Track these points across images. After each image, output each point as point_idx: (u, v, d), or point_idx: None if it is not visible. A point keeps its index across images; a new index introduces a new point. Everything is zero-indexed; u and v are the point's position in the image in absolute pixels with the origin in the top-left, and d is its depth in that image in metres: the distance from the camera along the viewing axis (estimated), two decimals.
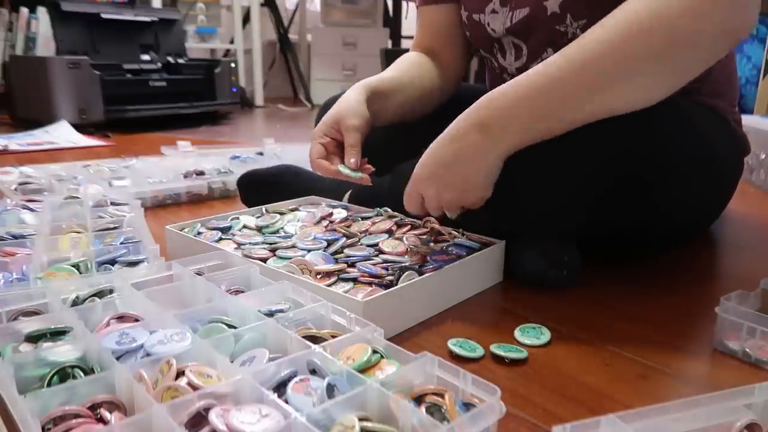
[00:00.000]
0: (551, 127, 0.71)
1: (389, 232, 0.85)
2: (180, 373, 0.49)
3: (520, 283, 0.82)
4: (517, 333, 0.67)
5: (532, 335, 0.67)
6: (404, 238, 0.83)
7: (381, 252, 0.79)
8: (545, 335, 0.67)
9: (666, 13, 0.62)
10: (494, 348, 0.63)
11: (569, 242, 0.82)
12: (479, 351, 0.63)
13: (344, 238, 0.83)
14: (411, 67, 1.02)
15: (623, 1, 0.70)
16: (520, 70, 0.95)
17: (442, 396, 0.47)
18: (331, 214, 0.95)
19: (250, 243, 0.84)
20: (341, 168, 0.83)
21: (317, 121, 1.26)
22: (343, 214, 0.95)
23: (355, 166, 0.83)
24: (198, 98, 2.73)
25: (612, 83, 0.66)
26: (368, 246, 0.81)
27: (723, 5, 0.61)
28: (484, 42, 1.00)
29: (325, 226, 0.89)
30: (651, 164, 0.78)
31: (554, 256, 0.80)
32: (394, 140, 1.01)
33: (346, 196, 1.07)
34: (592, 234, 0.84)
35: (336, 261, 0.77)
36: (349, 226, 0.88)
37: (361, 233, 0.85)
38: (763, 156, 1.50)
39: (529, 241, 0.82)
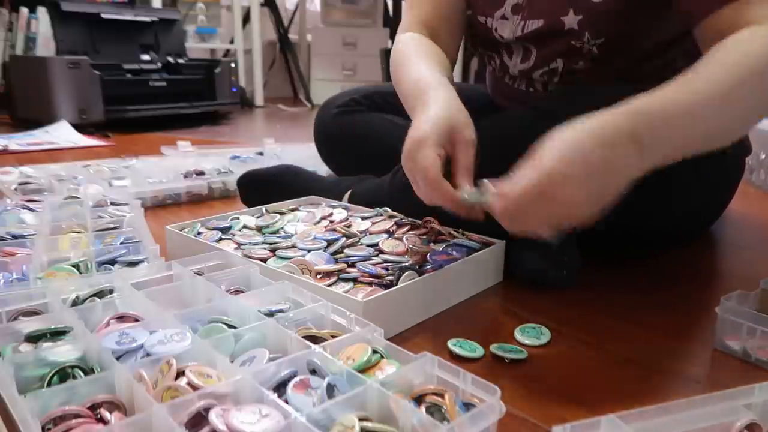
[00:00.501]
0: (693, 149, 0.65)
1: (389, 232, 0.85)
2: (180, 373, 0.49)
3: (520, 283, 0.82)
4: (517, 333, 0.67)
5: (532, 335, 0.67)
6: (404, 238, 0.83)
7: (381, 252, 0.79)
8: (545, 335, 0.67)
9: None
10: (494, 348, 0.63)
11: (569, 242, 0.82)
12: (479, 351, 0.63)
13: (344, 238, 0.83)
14: (439, 54, 0.91)
15: (642, 22, 0.74)
16: (524, 73, 0.96)
17: (442, 396, 0.47)
18: (331, 214, 0.95)
19: (250, 243, 0.84)
20: (465, 194, 0.66)
21: (317, 121, 1.27)
22: (344, 214, 0.95)
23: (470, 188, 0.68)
24: (198, 98, 2.72)
25: (751, 113, 0.67)
26: (368, 246, 0.81)
27: None
28: (487, 43, 0.98)
29: (326, 227, 0.89)
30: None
31: (554, 256, 0.80)
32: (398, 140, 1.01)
33: (346, 196, 1.07)
34: (593, 234, 0.84)
35: (336, 261, 0.77)
36: (349, 226, 0.88)
37: (360, 233, 0.85)
38: (763, 156, 1.50)
39: (528, 241, 0.82)
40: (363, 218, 0.92)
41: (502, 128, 0.85)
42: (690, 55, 0.75)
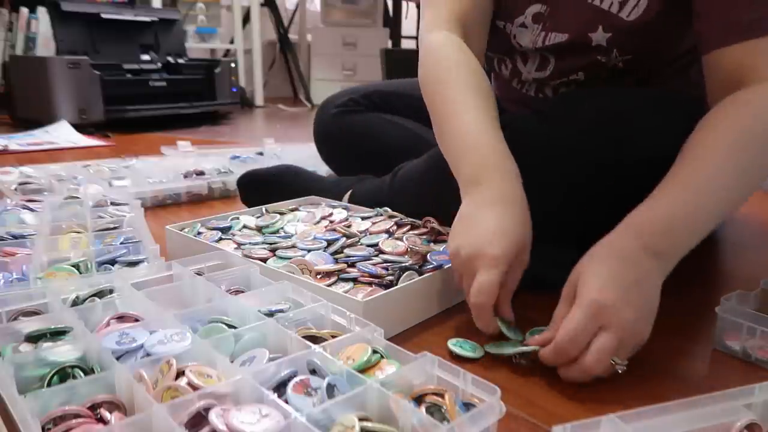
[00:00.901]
0: (709, 230, 0.66)
1: (389, 232, 0.85)
2: (180, 373, 0.49)
3: (520, 284, 0.82)
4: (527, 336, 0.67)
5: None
6: (404, 238, 0.83)
7: (381, 252, 0.79)
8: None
9: None
10: (489, 347, 0.62)
11: (568, 243, 0.82)
12: (479, 351, 0.63)
13: (344, 238, 0.83)
14: (483, 81, 0.79)
15: (669, 37, 0.75)
16: (539, 81, 0.93)
17: (442, 396, 0.47)
18: (330, 214, 0.95)
19: (250, 243, 0.84)
20: (503, 327, 0.64)
21: (316, 121, 1.27)
22: (344, 214, 0.95)
23: (508, 314, 0.66)
24: (198, 98, 2.73)
25: (756, 181, 0.67)
26: (368, 246, 0.81)
27: None
28: (503, 48, 0.94)
29: (325, 227, 0.89)
30: (659, 166, 0.78)
31: (554, 258, 0.80)
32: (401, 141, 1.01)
33: (347, 196, 1.07)
34: (593, 235, 0.84)
35: (336, 261, 0.77)
36: (349, 226, 0.88)
37: (360, 233, 0.85)
38: None
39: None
40: (363, 218, 0.92)
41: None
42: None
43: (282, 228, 0.91)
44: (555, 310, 0.62)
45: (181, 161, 1.54)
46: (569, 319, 0.57)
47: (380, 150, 1.16)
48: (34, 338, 0.56)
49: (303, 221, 0.93)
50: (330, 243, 0.81)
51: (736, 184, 0.65)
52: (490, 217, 0.65)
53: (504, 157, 0.70)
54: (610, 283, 0.58)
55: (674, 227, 0.63)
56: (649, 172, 0.78)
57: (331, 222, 0.91)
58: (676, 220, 0.63)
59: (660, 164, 0.78)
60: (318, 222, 0.92)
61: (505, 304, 0.66)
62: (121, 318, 0.60)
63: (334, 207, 1.00)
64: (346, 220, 0.92)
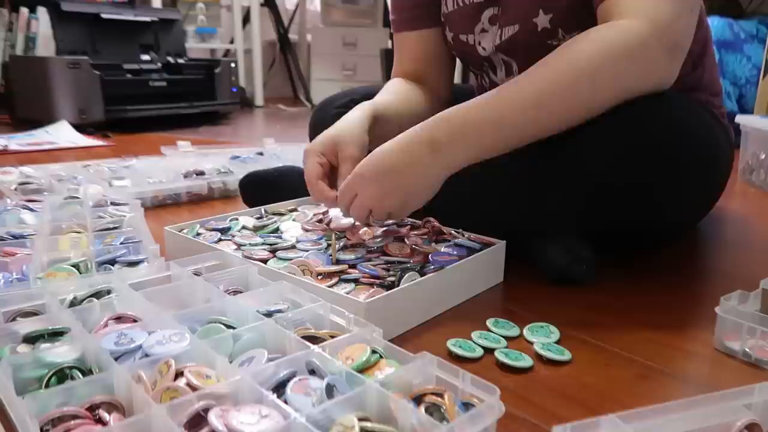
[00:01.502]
0: (495, 148, 0.74)
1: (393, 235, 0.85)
2: (179, 374, 0.49)
3: (527, 280, 0.82)
4: (526, 332, 0.67)
5: (540, 334, 0.67)
6: (405, 239, 0.83)
7: (385, 253, 0.79)
8: (555, 334, 0.67)
9: (591, 68, 0.71)
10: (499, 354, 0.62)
11: (584, 238, 0.83)
12: (478, 351, 0.63)
13: (346, 239, 0.83)
14: (403, 93, 1.01)
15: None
16: None
17: (441, 396, 0.47)
18: (326, 213, 0.95)
19: (250, 243, 0.83)
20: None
21: (312, 122, 1.27)
22: (341, 213, 0.95)
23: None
24: (198, 98, 2.73)
25: (567, 118, 0.74)
26: (373, 249, 0.80)
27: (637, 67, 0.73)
28: (473, 60, 1.01)
29: (323, 229, 0.89)
30: (659, 162, 0.78)
31: (575, 251, 0.81)
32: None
33: None
34: (591, 232, 0.84)
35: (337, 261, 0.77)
36: (328, 224, 0.88)
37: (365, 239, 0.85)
38: (763, 156, 1.50)
39: (551, 236, 0.82)
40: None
41: None
42: None
43: (279, 228, 0.90)
44: None
45: (181, 161, 1.54)
46: (344, 181, 0.76)
47: None
48: (31, 339, 0.56)
49: (297, 221, 0.93)
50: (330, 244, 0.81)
51: (536, 114, 0.72)
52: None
53: (362, 106, 0.90)
54: (373, 163, 0.73)
55: (460, 127, 0.73)
56: (657, 170, 0.78)
57: (327, 225, 0.90)
58: (458, 117, 0.73)
59: (668, 162, 0.78)
60: (318, 222, 0.92)
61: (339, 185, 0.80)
62: (119, 318, 0.60)
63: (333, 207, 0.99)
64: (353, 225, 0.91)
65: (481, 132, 0.72)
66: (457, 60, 1.09)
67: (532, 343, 0.65)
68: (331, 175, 0.83)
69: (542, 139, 0.75)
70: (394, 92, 1.00)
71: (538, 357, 0.62)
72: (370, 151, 0.79)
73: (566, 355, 0.62)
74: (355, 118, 0.86)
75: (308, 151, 0.83)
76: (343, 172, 0.81)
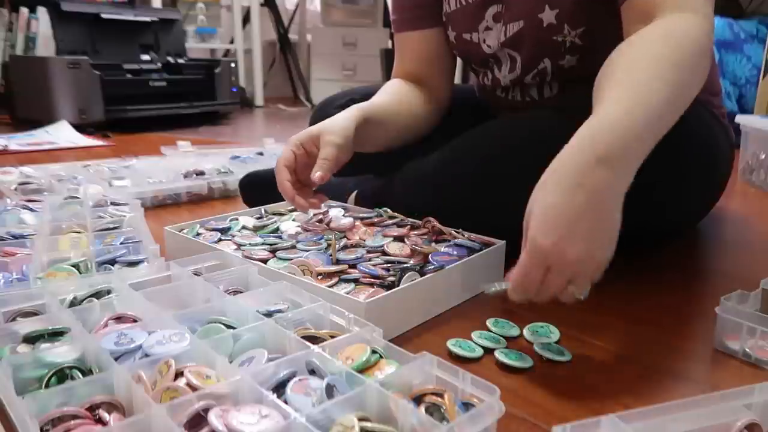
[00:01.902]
0: (650, 146, 0.63)
1: (394, 236, 0.85)
2: (179, 374, 0.49)
3: None
4: (526, 332, 0.67)
5: (541, 334, 0.67)
6: (405, 239, 0.83)
7: (385, 253, 0.79)
8: (555, 334, 0.67)
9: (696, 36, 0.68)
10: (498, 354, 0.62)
11: None
12: (478, 351, 0.63)
13: (346, 238, 0.83)
14: (400, 94, 1.00)
15: (616, 5, 0.76)
16: (514, 82, 0.98)
17: (441, 396, 0.47)
18: (326, 212, 0.95)
19: (250, 243, 0.83)
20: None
21: (312, 122, 1.27)
22: (341, 214, 0.95)
23: (320, 180, 0.79)
24: (198, 98, 2.73)
25: (687, 90, 0.67)
26: (373, 249, 0.80)
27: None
28: (476, 58, 1.01)
29: (323, 229, 0.89)
30: (660, 162, 0.78)
31: None
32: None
33: (352, 196, 1.06)
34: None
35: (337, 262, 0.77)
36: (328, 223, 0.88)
37: (361, 240, 0.85)
38: (763, 156, 1.50)
39: None
40: (363, 219, 0.92)
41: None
42: None
43: (278, 228, 0.90)
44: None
45: (181, 161, 1.54)
46: (518, 263, 0.59)
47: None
48: (31, 339, 0.56)
49: (300, 222, 0.93)
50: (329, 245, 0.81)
51: (665, 91, 0.63)
52: None
53: (352, 107, 0.89)
54: (553, 220, 0.56)
55: (623, 132, 0.59)
56: (660, 170, 0.78)
57: (328, 225, 0.91)
58: (623, 126, 0.60)
59: (670, 162, 0.78)
60: (318, 222, 0.92)
61: (316, 167, 0.80)
62: (119, 318, 0.60)
63: (331, 207, 1.00)
64: (353, 226, 0.91)
65: (649, 130, 0.62)
66: (457, 59, 1.08)
67: (532, 344, 0.65)
68: (306, 170, 0.83)
69: (541, 139, 0.73)
70: (391, 93, 0.99)
71: (539, 357, 0.62)
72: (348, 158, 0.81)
73: (566, 356, 0.62)
74: (341, 114, 0.86)
75: (287, 141, 0.84)
76: (324, 155, 0.80)
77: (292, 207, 1.01)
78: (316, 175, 0.79)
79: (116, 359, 0.51)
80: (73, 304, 0.63)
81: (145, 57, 2.65)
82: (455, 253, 0.78)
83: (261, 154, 1.68)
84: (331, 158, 0.80)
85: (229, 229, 0.89)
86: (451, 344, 0.63)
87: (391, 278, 0.71)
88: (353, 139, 0.84)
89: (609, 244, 0.58)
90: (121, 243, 0.84)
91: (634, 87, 0.63)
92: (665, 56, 0.65)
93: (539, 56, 0.91)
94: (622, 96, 0.62)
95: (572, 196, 0.56)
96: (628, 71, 0.65)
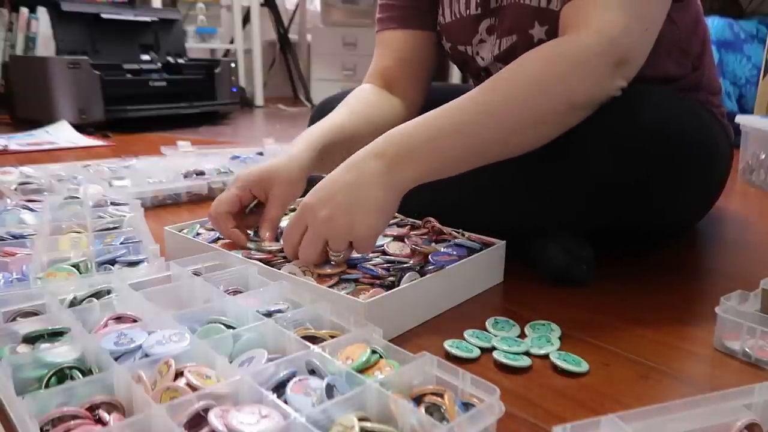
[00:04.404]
0: (444, 168, 0.72)
1: (394, 236, 0.85)
2: (179, 374, 0.49)
3: (527, 280, 0.82)
4: (527, 330, 0.67)
5: (542, 332, 0.67)
6: (405, 239, 0.83)
7: (385, 253, 0.79)
8: (556, 332, 0.67)
9: (541, 82, 0.71)
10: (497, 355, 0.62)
11: (582, 238, 0.83)
12: (475, 351, 0.63)
13: None
14: (370, 103, 0.98)
15: None
16: None
17: (441, 396, 0.47)
18: None
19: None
20: (249, 243, 0.78)
21: (310, 122, 1.27)
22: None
23: (269, 240, 0.79)
24: (198, 98, 2.73)
25: (520, 132, 0.72)
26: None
27: (568, 84, 0.71)
28: (472, 70, 1.01)
29: None
30: (660, 162, 0.78)
31: (575, 251, 0.81)
32: None
33: None
34: (591, 232, 0.84)
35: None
36: None
37: None
38: (763, 156, 1.50)
39: (549, 236, 0.82)
40: None
41: None
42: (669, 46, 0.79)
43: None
44: None
45: (181, 161, 1.54)
46: (290, 220, 0.72)
47: None
48: (31, 339, 0.56)
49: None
50: None
51: (486, 125, 0.71)
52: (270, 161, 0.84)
53: (314, 134, 0.87)
54: (321, 188, 0.70)
55: (409, 142, 0.70)
56: (661, 170, 0.78)
57: None
58: (413, 136, 0.70)
59: (671, 162, 0.78)
60: None
61: (263, 227, 0.80)
62: (119, 319, 0.60)
63: None
64: None
65: (428, 149, 0.70)
66: (433, 70, 1.07)
67: (540, 357, 0.62)
68: (253, 212, 0.82)
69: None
70: (355, 104, 0.96)
71: (553, 366, 0.61)
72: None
73: (583, 367, 0.60)
74: (296, 153, 0.82)
75: (236, 179, 0.81)
76: (272, 215, 0.79)
77: (292, 207, 1.02)
78: (266, 236, 0.79)
79: (116, 359, 0.51)
80: (73, 304, 0.63)
81: (145, 57, 2.65)
82: (455, 253, 0.78)
83: (261, 154, 1.68)
84: (278, 218, 0.80)
85: None
86: (448, 345, 0.63)
87: (391, 278, 0.71)
88: (318, 165, 0.84)
89: (365, 218, 0.68)
90: (121, 243, 0.84)
91: (451, 105, 0.72)
92: (510, 75, 0.72)
93: None
94: (434, 113, 0.72)
95: (346, 173, 0.70)
96: (474, 91, 0.72)
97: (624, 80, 0.73)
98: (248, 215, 0.83)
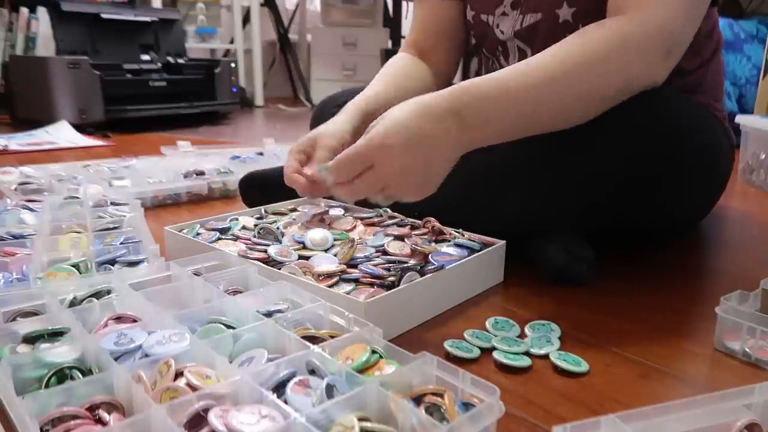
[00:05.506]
0: (507, 134, 0.73)
1: (393, 236, 0.85)
2: (179, 374, 0.49)
3: (527, 280, 0.82)
4: (527, 330, 0.67)
5: (542, 332, 0.67)
6: (405, 239, 0.83)
7: (386, 253, 0.79)
8: (556, 332, 0.67)
9: (603, 54, 0.72)
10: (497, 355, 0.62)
11: (582, 238, 0.83)
12: (475, 351, 0.63)
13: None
14: (403, 71, 1.02)
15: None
16: None
17: (441, 396, 0.47)
18: (326, 212, 0.95)
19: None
20: (318, 168, 0.78)
21: (312, 121, 1.27)
22: (342, 213, 0.95)
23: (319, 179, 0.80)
24: (198, 98, 2.72)
25: (577, 103, 0.73)
26: (374, 247, 0.80)
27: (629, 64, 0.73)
28: (489, 43, 1.01)
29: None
30: (663, 162, 0.78)
31: (575, 251, 0.81)
32: None
33: None
34: (593, 231, 0.84)
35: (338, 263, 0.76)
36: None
37: (359, 240, 0.85)
38: (763, 156, 1.50)
39: (550, 236, 0.82)
40: (363, 218, 0.92)
41: None
42: None
43: (278, 228, 0.90)
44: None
45: (181, 161, 1.54)
46: (353, 145, 0.67)
47: None
48: (31, 339, 0.56)
49: (299, 221, 0.93)
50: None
51: (551, 93, 0.71)
52: None
53: (353, 104, 0.91)
54: (401, 130, 0.65)
55: (489, 103, 0.69)
56: (662, 170, 0.78)
57: (329, 225, 0.90)
58: (495, 98, 0.69)
59: (672, 162, 0.78)
60: (319, 221, 0.92)
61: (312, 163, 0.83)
62: (119, 319, 0.60)
63: (332, 207, 1.00)
64: (354, 227, 0.90)
65: (499, 114, 0.70)
66: (466, 43, 1.10)
67: (540, 357, 0.63)
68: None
69: (545, 137, 0.75)
70: (390, 77, 1.00)
71: (553, 366, 0.61)
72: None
73: (583, 367, 0.60)
74: (338, 117, 0.88)
75: (290, 150, 0.86)
76: (317, 156, 0.82)
77: (293, 207, 1.02)
78: (324, 160, 0.81)
79: (116, 359, 0.51)
80: (73, 304, 0.63)
81: (145, 57, 2.65)
82: (455, 253, 0.78)
83: (261, 154, 1.68)
84: (324, 158, 0.82)
85: (229, 229, 0.89)
86: (448, 345, 0.63)
87: (391, 278, 0.71)
88: (359, 132, 0.84)
89: (433, 179, 0.68)
90: (121, 243, 0.84)
91: (518, 67, 0.72)
92: (572, 45, 0.72)
93: None
94: (513, 72, 0.71)
95: (424, 121, 0.66)
96: (539, 61, 0.72)
97: (668, 70, 0.75)
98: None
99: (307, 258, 0.76)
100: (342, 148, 0.80)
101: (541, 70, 0.71)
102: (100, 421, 0.45)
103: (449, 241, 0.83)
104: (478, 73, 1.15)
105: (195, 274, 0.70)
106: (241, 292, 0.68)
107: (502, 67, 1.00)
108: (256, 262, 0.75)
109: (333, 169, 0.68)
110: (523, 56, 0.96)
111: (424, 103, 0.68)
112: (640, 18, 0.72)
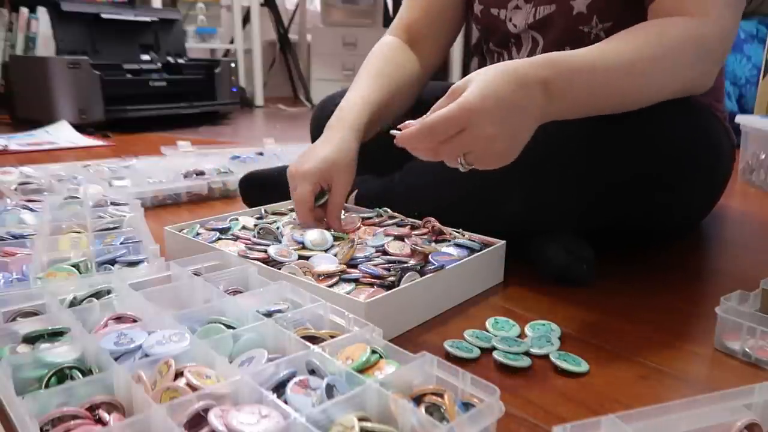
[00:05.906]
0: (596, 107, 0.73)
1: (394, 236, 0.85)
2: (179, 374, 0.49)
3: (527, 280, 0.82)
4: (527, 330, 0.67)
5: (542, 332, 0.67)
6: (405, 239, 0.83)
7: (386, 253, 0.79)
8: (556, 332, 0.67)
9: (678, 48, 0.74)
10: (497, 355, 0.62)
11: (582, 238, 0.83)
12: (475, 351, 0.63)
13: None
14: (394, 64, 1.00)
15: (644, 4, 0.80)
16: None
17: (441, 396, 0.47)
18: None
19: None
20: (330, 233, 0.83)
21: (312, 121, 1.27)
22: (341, 214, 0.95)
23: (338, 228, 0.85)
24: (198, 98, 2.72)
25: (654, 87, 0.74)
26: (373, 247, 0.80)
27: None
28: (499, 36, 1.00)
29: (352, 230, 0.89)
30: (665, 163, 0.78)
31: (576, 251, 0.81)
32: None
33: (352, 196, 1.06)
34: (594, 230, 0.84)
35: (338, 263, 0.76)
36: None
37: (359, 240, 0.85)
38: (763, 156, 1.50)
39: (550, 236, 0.82)
40: (363, 218, 0.92)
41: None
42: None
43: (278, 228, 0.90)
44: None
45: (181, 161, 1.54)
46: (444, 107, 0.64)
47: (379, 149, 1.16)
48: (31, 339, 0.56)
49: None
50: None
51: (628, 77, 0.72)
52: (318, 147, 0.86)
53: (352, 114, 0.90)
54: (493, 95, 0.63)
55: (576, 77, 0.69)
56: (664, 170, 0.79)
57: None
58: (581, 73, 0.69)
59: (674, 162, 0.79)
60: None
61: (330, 214, 0.85)
62: (119, 319, 0.60)
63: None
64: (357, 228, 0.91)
65: (592, 81, 0.70)
66: (454, 50, 1.09)
67: (540, 357, 0.63)
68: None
69: (546, 137, 0.74)
70: (387, 76, 0.98)
71: (553, 366, 0.61)
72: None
73: (583, 367, 0.60)
74: (345, 142, 0.86)
75: (304, 175, 0.84)
76: (338, 200, 0.85)
77: (293, 207, 1.02)
78: (336, 224, 0.86)
79: (116, 359, 0.51)
80: (73, 304, 0.63)
81: (145, 57, 2.65)
82: (455, 253, 0.78)
83: (261, 154, 1.68)
84: (342, 203, 0.87)
85: (229, 229, 0.89)
86: (448, 345, 0.63)
87: (391, 278, 0.71)
88: (361, 141, 0.88)
89: (517, 148, 0.66)
90: (121, 243, 0.84)
91: (601, 47, 0.72)
92: (648, 34, 0.73)
93: (562, 44, 0.91)
94: (597, 51, 0.71)
95: (516, 89, 0.64)
96: (626, 42, 0.73)
97: (713, 78, 0.78)
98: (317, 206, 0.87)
99: (307, 258, 0.76)
100: (353, 172, 0.85)
101: (620, 55, 0.71)
102: (100, 421, 0.45)
103: (449, 241, 0.83)
104: None
105: (195, 274, 0.70)
106: (241, 292, 0.68)
107: (513, 59, 1.00)
108: (256, 262, 0.75)
109: (426, 132, 0.64)
110: (536, 46, 0.95)
111: (517, 70, 0.66)
112: (709, 24, 0.74)
